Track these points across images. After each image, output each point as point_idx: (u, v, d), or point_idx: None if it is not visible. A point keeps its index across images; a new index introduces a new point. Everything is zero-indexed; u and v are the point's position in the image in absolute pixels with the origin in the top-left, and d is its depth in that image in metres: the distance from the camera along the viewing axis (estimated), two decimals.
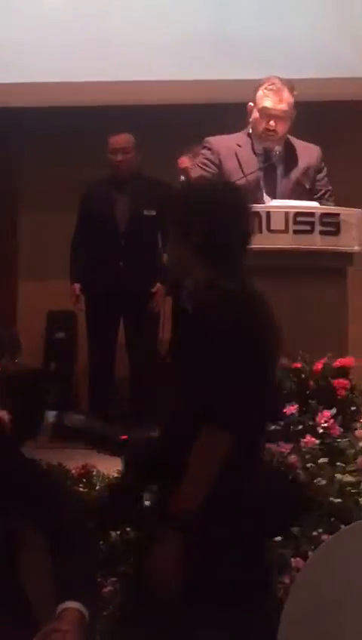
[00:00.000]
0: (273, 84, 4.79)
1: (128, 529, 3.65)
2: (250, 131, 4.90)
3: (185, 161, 6.07)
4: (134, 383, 6.10)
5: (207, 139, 4.97)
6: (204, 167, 4.90)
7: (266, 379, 2.67)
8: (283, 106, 4.77)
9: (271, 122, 4.78)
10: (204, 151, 4.94)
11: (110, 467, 4.05)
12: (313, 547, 3.34)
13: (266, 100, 4.78)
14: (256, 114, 4.83)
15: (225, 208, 2.69)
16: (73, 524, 2.32)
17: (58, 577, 2.20)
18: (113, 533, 3.63)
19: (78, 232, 6.37)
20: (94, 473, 3.93)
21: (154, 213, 6.17)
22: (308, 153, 4.92)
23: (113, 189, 6.33)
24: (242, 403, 2.52)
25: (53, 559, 2.24)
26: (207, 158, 4.91)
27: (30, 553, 2.29)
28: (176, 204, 2.84)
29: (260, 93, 4.81)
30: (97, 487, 3.83)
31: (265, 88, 4.79)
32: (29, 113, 6.81)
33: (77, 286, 6.25)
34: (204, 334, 2.56)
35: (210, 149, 4.92)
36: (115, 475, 3.90)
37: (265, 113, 4.78)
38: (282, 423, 4.00)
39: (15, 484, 2.26)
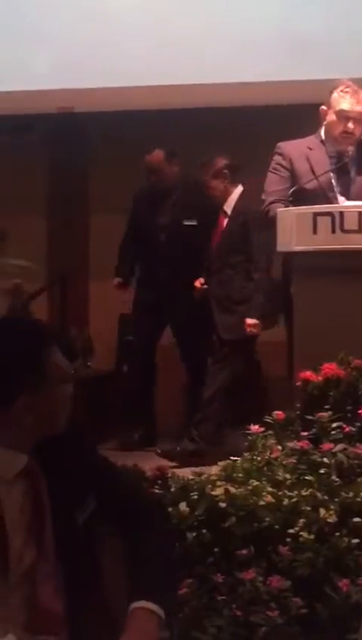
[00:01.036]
0: (348, 86, 4.80)
1: (204, 530, 3.66)
2: (323, 134, 4.89)
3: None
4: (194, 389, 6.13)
5: (278, 144, 5.01)
6: (276, 172, 4.94)
7: None
8: (361, 108, 4.77)
9: (350, 124, 4.79)
10: (275, 157, 4.99)
11: (185, 470, 4.08)
12: None
13: (343, 102, 4.78)
14: (331, 116, 4.83)
15: None
16: (151, 520, 2.33)
17: (134, 573, 2.19)
18: (189, 535, 3.64)
19: (126, 237, 6.56)
20: (169, 475, 3.94)
21: (195, 223, 6.20)
22: None
23: (154, 199, 6.38)
24: None
25: (130, 554, 2.23)
26: (278, 164, 4.96)
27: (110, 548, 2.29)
28: None
29: (335, 95, 4.81)
30: (172, 489, 3.84)
31: (341, 91, 4.79)
32: (99, 117, 6.86)
33: (118, 279, 6.49)
34: None
35: (281, 154, 4.97)
36: (191, 476, 3.92)
37: (343, 116, 4.78)
38: (358, 424, 4.00)
39: (93, 479, 2.27)
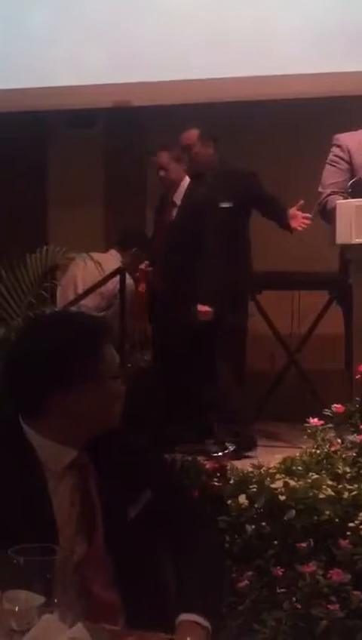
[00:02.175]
0: None
1: (263, 523, 3.66)
2: None
3: (164, 157, 5.95)
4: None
5: (336, 136, 4.96)
6: (334, 164, 4.89)
7: None
8: None
9: None
10: (333, 148, 4.93)
11: (244, 462, 4.09)
12: None
13: None
14: None
15: None
16: (200, 523, 2.33)
17: (182, 581, 2.18)
18: (248, 527, 3.65)
19: None
20: (228, 467, 3.95)
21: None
22: None
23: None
24: None
25: (176, 557, 2.23)
26: (336, 155, 4.91)
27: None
28: None
29: None
30: (231, 482, 3.84)
31: None
32: (156, 111, 6.88)
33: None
34: None
35: (339, 146, 4.91)
36: (250, 469, 3.93)
37: None
38: None
39: (147, 476, 2.27)
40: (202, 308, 5.69)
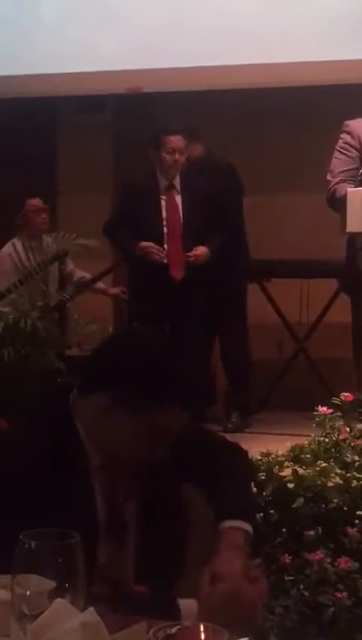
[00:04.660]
0: None
1: (272, 511, 3.67)
2: None
3: (180, 142, 5.89)
4: None
5: (347, 122, 4.90)
6: (344, 151, 4.85)
7: None
8: None
9: None
10: (343, 135, 4.88)
11: (252, 449, 4.08)
12: None
13: None
14: None
15: None
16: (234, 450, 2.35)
17: (219, 493, 2.19)
18: (257, 515, 3.65)
19: None
20: None
21: None
22: None
23: None
24: None
25: (209, 482, 2.23)
26: (346, 143, 4.85)
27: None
28: None
29: None
30: None
31: None
32: (167, 97, 6.87)
33: None
34: None
35: (349, 133, 4.85)
36: (258, 457, 3.93)
37: None
38: None
39: None
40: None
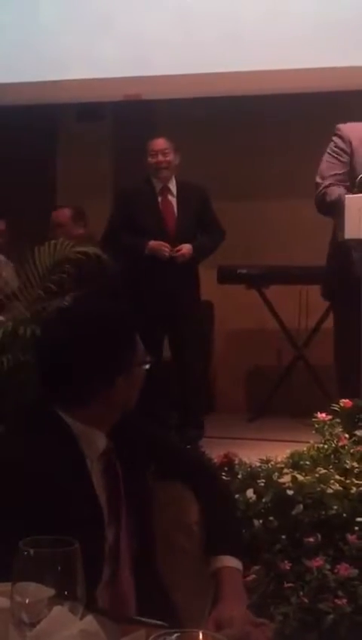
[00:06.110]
0: None
1: (271, 517, 3.66)
2: None
3: (162, 144, 6.10)
4: None
5: (339, 126, 4.88)
6: (335, 154, 4.83)
7: None
8: None
9: None
10: (334, 138, 4.86)
11: (252, 456, 4.09)
12: None
13: None
14: None
15: None
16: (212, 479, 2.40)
17: (206, 528, 2.21)
18: (256, 522, 3.65)
19: None
20: (236, 462, 3.95)
21: None
22: None
23: None
24: None
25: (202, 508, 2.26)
26: (337, 147, 4.83)
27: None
28: None
29: None
30: (239, 476, 3.84)
31: None
32: (166, 104, 6.88)
33: None
34: None
35: (340, 137, 4.83)
36: (258, 464, 3.93)
37: None
38: None
39: (153, 454, 2.32)
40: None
